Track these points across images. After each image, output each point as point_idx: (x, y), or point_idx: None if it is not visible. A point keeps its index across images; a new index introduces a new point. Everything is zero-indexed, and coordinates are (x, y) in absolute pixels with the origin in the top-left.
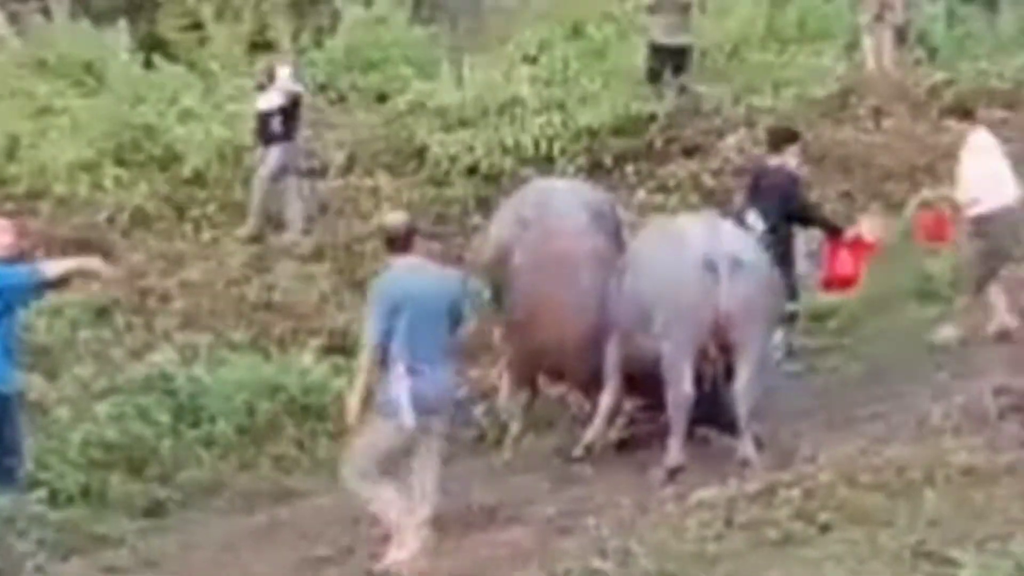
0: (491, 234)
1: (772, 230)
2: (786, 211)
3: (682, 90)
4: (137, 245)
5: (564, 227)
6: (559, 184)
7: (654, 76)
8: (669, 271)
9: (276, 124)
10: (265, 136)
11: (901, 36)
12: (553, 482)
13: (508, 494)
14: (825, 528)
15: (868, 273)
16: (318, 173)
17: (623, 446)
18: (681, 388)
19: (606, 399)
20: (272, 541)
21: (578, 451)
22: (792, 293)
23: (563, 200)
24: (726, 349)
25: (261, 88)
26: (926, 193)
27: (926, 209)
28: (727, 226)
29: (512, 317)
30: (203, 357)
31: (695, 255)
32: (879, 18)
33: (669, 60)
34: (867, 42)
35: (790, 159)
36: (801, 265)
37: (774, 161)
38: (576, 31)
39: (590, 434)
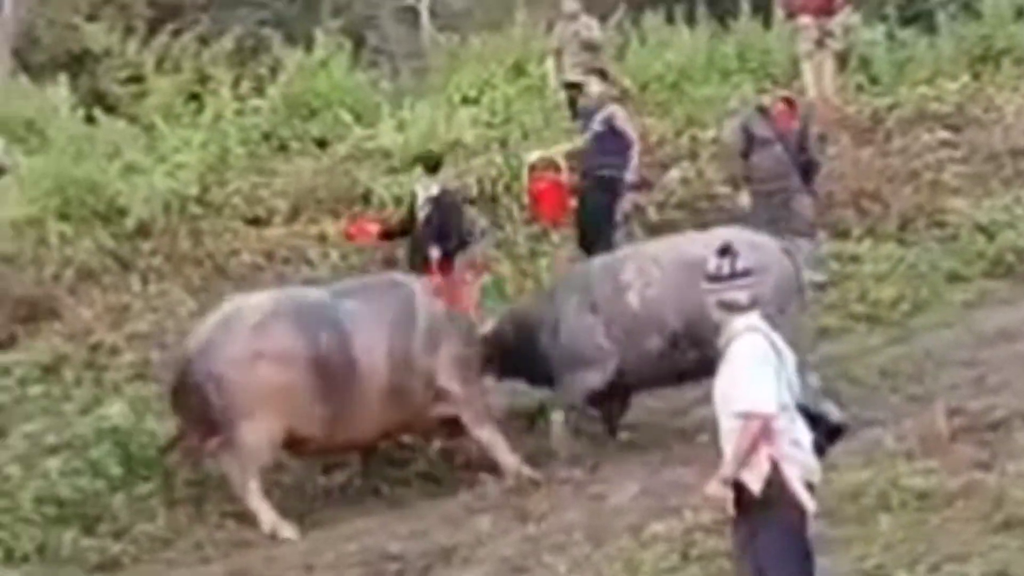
0: None
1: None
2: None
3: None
4: (84, 300)
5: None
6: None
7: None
8: None
9: None
10: None
11: (842, 62)
12: (508, 521)
13: (464, 535)
14: None
15: (817, 301)
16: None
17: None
18: None
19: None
20: None
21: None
22: None
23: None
24: None
25: None
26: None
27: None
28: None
29: None
30: (154, 409)
31: None
32: (819, 45)
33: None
34: (807, 70)
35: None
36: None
37: (435, 189)
38: (516, 70)
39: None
